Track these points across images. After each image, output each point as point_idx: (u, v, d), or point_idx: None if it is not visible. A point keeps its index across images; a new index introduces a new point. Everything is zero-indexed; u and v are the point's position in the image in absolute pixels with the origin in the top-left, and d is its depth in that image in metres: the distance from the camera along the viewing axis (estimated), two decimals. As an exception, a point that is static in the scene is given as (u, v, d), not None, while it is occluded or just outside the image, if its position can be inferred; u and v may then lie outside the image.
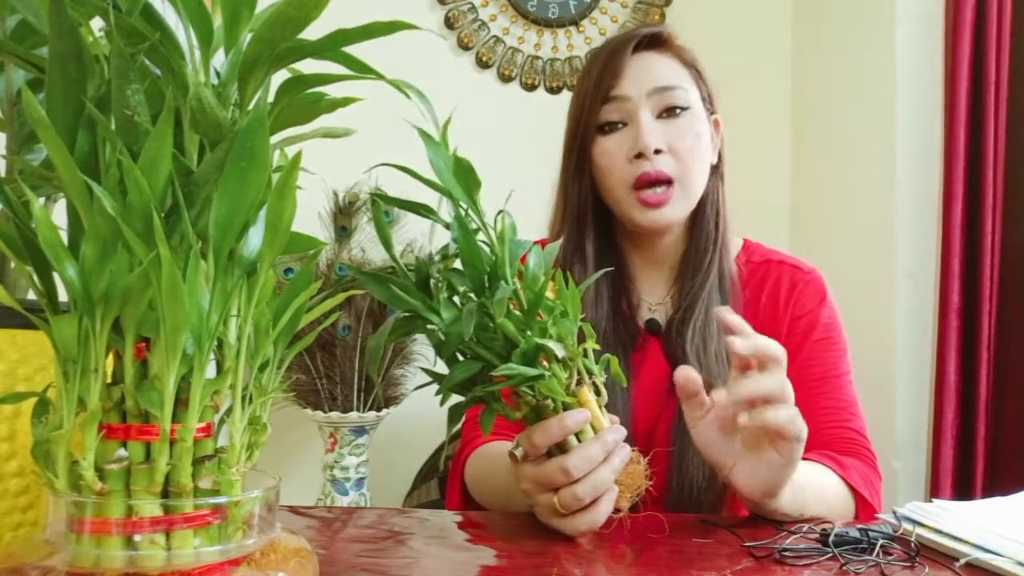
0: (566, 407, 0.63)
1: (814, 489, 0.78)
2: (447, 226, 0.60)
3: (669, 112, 0.93)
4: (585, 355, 0.64)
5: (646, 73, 0.93)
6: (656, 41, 0.96)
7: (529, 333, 0.60)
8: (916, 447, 1.77)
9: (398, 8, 1.34)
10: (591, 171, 0.96)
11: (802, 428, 0.68)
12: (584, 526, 0.64)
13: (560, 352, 0.61)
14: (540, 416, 0.63)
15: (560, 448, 0.63)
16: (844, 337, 0.98)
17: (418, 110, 0.46)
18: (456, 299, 0.62)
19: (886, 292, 1.83)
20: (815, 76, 2.23)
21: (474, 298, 0.61)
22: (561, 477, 0.62)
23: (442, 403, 0.64)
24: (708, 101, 0.98)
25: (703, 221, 0.98)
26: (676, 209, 0.93)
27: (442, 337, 0.60)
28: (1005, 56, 1.71)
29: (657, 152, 0.91)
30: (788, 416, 0.66)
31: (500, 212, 0.62)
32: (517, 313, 0.61)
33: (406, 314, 0.61)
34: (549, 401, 0.62)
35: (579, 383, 0.63)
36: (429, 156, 0.59)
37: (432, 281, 0.61)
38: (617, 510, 0.65)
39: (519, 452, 0.66)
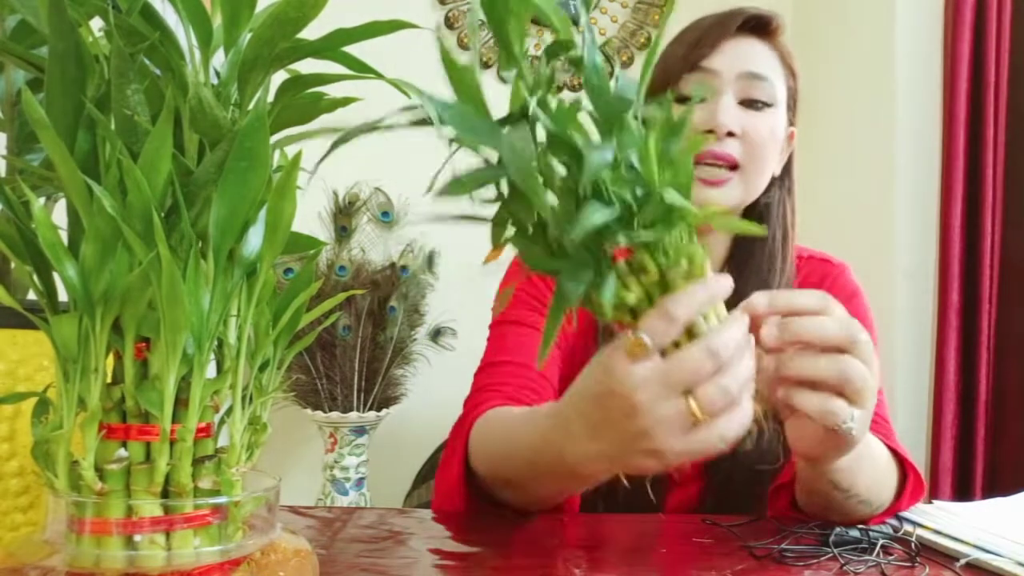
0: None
1: (869, 459, 0.67)
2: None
3: (751, 103, 0.87)
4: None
5: (742, 54, 0.87)
6: (762, 27, 0.89)
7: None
8: (916, 447, 1.77)
9: (398, 8, 1.33)
10: None
11: (853, 429, 0.55)
12: (735, 426, 0.49)
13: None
14: (656, 298, 0.49)
15: (676, 344, 0.49)
16: (875, 331, 0.92)
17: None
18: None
19: (886, 292, 1.83)
20: (815, 76, 2.23)
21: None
22: (708, 364, 0.48)
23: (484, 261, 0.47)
24: (791, 109, 0.93)
25: (767, 236, 0.90)
26: (731, 195, 0.86)
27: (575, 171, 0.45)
28: (1005, 56, 1.72)
29: (730, 135, 0.85)
30: (822, 406, 0.54)
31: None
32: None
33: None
34: (684, 263, 0.48)
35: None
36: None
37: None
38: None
39: (644, 338, 0.48)
